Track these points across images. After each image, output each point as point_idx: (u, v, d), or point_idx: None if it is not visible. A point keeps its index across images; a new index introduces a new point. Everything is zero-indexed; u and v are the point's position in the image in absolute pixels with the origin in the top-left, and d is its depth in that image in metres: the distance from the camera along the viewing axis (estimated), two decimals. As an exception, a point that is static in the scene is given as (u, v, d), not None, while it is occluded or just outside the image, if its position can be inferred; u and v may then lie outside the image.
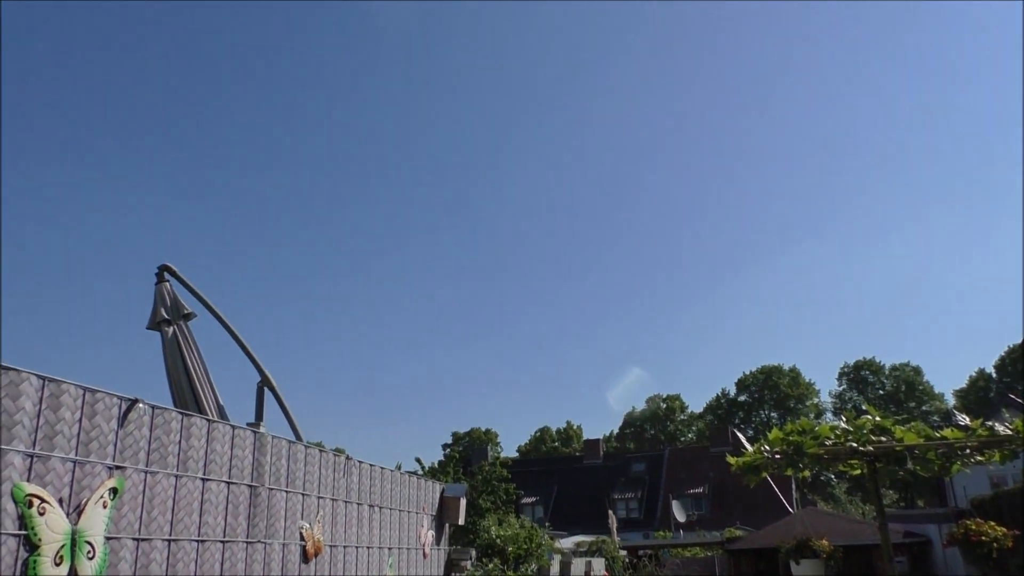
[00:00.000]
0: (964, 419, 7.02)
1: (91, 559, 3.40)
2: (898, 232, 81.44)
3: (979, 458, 7.31)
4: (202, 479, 4.14)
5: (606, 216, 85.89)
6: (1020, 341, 62.00)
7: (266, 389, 6.91)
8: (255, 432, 4.61)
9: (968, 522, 11.05)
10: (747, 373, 72.33)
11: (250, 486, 4.48)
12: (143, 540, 3.68)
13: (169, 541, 3.85)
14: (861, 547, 18.93)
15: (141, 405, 3.72)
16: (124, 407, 3.66)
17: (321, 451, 5.30)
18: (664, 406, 75.11)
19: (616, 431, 76.60)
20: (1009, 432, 6.79)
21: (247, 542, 4.40)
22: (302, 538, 4.94)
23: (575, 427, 76.29)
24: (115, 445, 3.60)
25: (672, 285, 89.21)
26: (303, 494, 5.03)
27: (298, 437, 5.38)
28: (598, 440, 57.28)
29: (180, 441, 4.01)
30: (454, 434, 73.96)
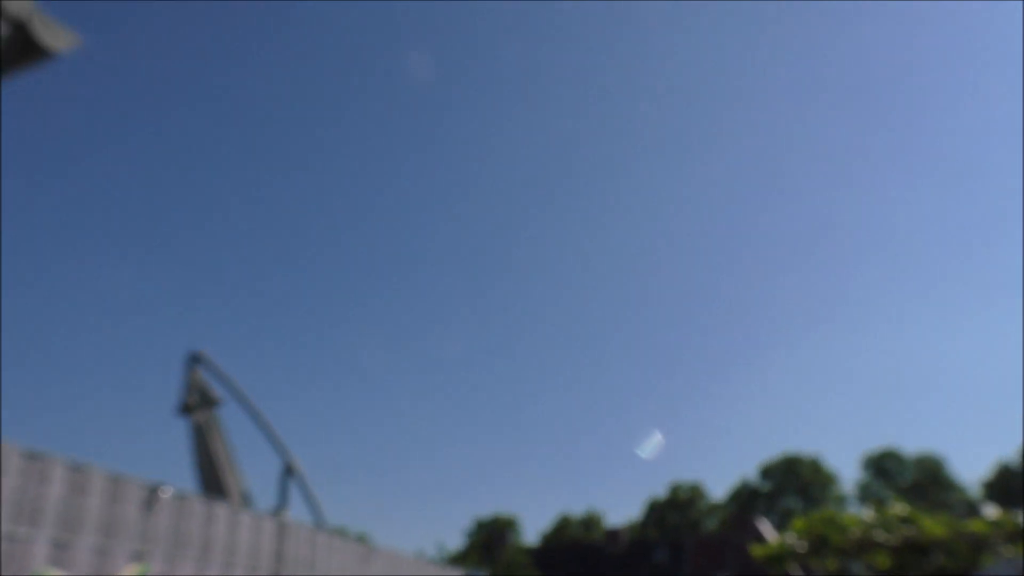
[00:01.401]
0: (991, 511, 6.91)
1: (113, 648, 3.41)
2: (922, 319, 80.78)
3: (1007, 550, 7.16)
4: (224, 565, 4.16)
5: (626, 300, 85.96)
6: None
7: (291, 473, 6.95)
8: (277, 519, 4.64)
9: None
10: (769, 461, 70.93)
11: (272, 574, 4.49)
12: (165, 629, 3.69)
13: (190, 630, 3.86)
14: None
15: (165, 492, 3.79)
16: (148, 493, 3.73)
17: (343, 539, 5.30)
18: (687, 495, 73.55)
19: (638, 517, 74.91)
20: (1038, 524, 6.66)
21: (266, 632, 4.38)
22: (321, 628, 4.90)
23: (596, 514, 74.85)
24: (138, 531, 3.65)
25: (692, 371, 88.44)
26: (323, 582, 5.01)
27: (321, 522, 5.38)
28: (619, 530, 56.09)
29: (203, 528, 4.05)
30: (477, 521, 72.65)
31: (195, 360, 6.06)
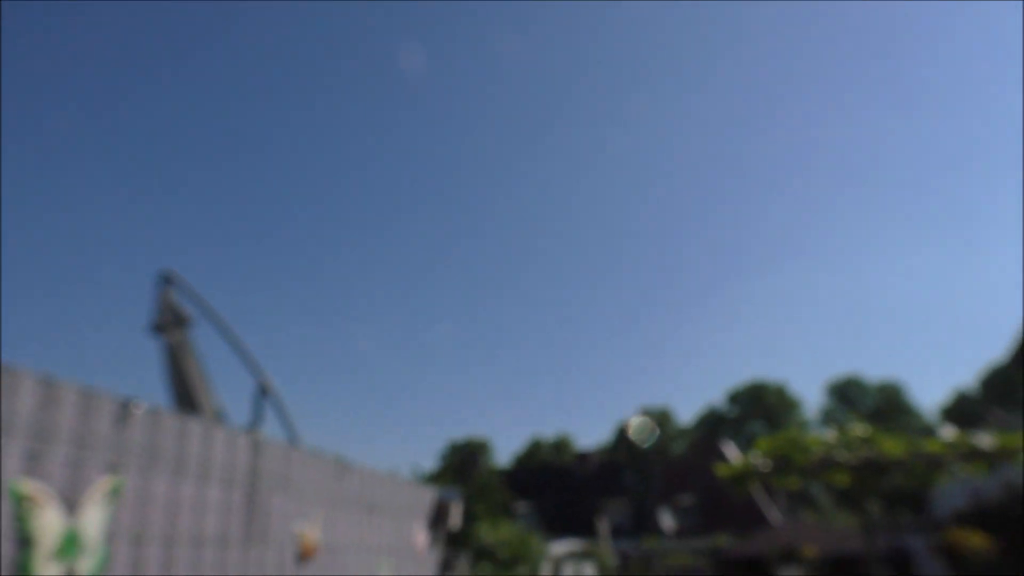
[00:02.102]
0: (948, 432, 7.15)
1: (88, 558, 3.47)
2: (886, 250, 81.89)
3: (962, 470, 7.43)
4: (199, 481, 4.21)
5: (599, 228, 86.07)
6: (1003, 359, 62.23)
7: (265, 393, 6.99)
8: (252, 435, 4.69)
9: (952, 533, 11.18)
10: (736, 387, 72.57)
11: (246, 489, 4.55)
12: (139, 541, 3.75)
13: (166, 543, 3.92)
14: (846, 557, 19.04)
15: (138, 407, 3.79)
16: (120, 408, 3.74)
17: (317, 455, 5.37)
18: (655, 419, 75.19)
19: (607, 441, 76.63)
20: (992, 445, 6.92)
21: (243, 544, 4.47)
22: (298, 540, 5.01)
23: (567, 437, 76.47)
24: (112, 445, 3.67)
25: (664, 298, 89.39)
26: (299, 498, 5.09)
27: (295, 441, 5.45)
28: (589, 453, 57.34)
29: (177, 444, 4.08)
30: (451, 443, 73.98)
31: (166, 279, 5.99)
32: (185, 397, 6.01)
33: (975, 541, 10.89)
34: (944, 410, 63.65)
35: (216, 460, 4.36)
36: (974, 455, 6.92)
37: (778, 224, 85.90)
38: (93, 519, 3.51)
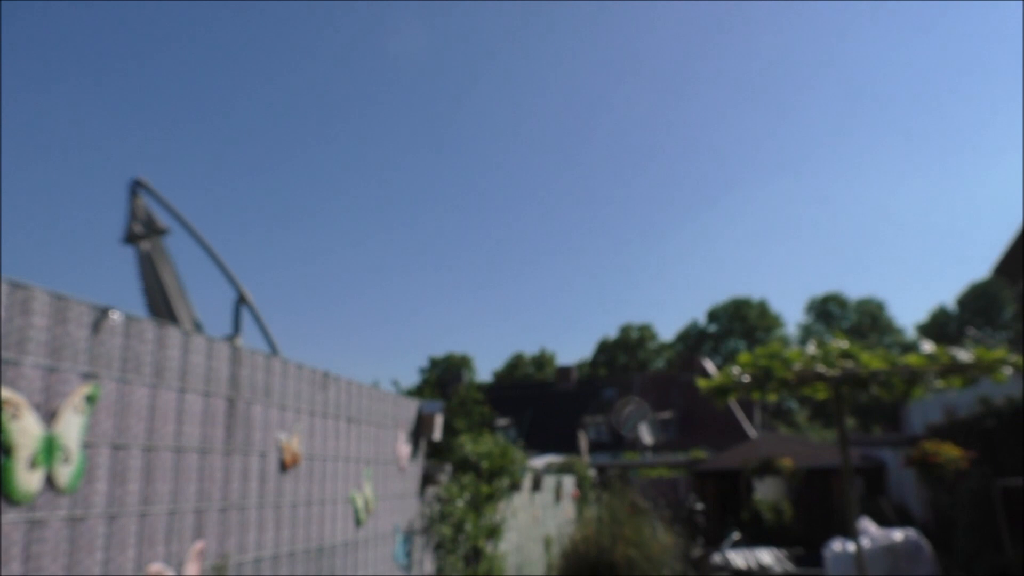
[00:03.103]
0: (927, 346, 7.19)
1: (67, 465, 3.43)
2: (870, 170, 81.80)
3: (940, 384, 7.50)
4: (179, 390, 4.15)
5: (581, 144, 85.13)
6: (982, 278, 63.10)
7: (243, 306, 6.89)
8: (231, 344, 4.61)
9: (926, 445, 11.42)
10: (717, 305, 73.35)
11: (227, 398, 4.50)
12: (120, 448, 3.71)
13: (146, 450, 3.88)
14: (820, 470, 19.54)
15: (114, 314, 3.70)
16: (96, 315, 3.64)
17: (298, 366, 5.32)
18: (636, 335, 76.03)
19: (588, 358, 77.56)
20: (970, 359, 6.97)
21: (225, 452, 4.45)
22: (280, 449, 5.00)
23: (549, 353, 77.24)
24: (88, 353, 3.59)
25: (646, 215, 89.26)
26: (280, 407, 5.06)
27: (275, 353, 5.39)
28: (570, 367, 58.06)
29: (155, 351, 4.01)
30: (431, 359, 74.66)
31: (137, 187, 5.78)
32: (162, 308, 5.91)
33: (947, 452, 11.17)
34: (921, 327, 64.85)
35: (196, 368, 4.30)
36: (952, 369, 6.99)
37: (763, 142, 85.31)
38: (70, 426, 3.46)
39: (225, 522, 4.44)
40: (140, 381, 3.87)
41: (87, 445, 3.54)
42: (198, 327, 5.46)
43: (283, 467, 5.05)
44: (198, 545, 4.16)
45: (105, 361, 3.69)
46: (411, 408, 7.45)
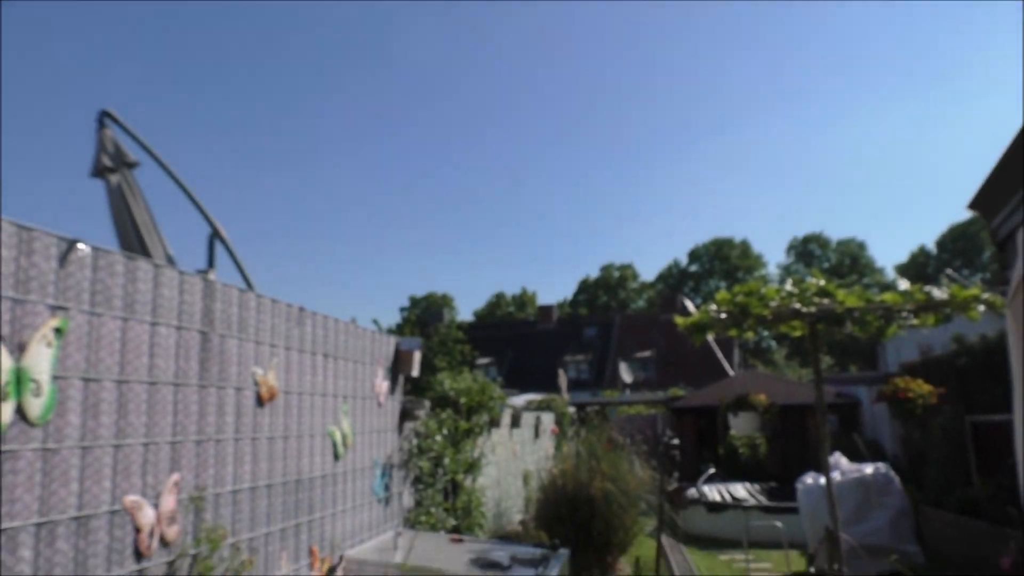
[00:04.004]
0: (903, 284, 7.23)
1: (38, 397, 3.40)
2: (854, 110, 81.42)
3: (914, 321, 7.57)
4: (150, 323, 4.10)
5: (565, 83, 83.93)
6: (962, 219, 63.57)
7: (217, 241, 6.80)
8: (204, 278, 4.55)
9: (897, 380, 11.60)
10: (699, 244, 73.61)
11: (200, 331, 4.46)
12: (91, 381, 3.68)
13: (119, 382, 3.85)
14: (796, 406, 19.86)
15: (82, 246, 3.62)
16: (63, 247, 3.56)
17: (273, 301, 5.28)
18: (617, 275, 76.31)
19: (570, 297, 77.91)
20: (945, 297, 7.02)
21: (200, 385, 4.43)
22: (256, 384, 4.98)
23: (530, 293, 77.49)
24: (56, 285, 3.52)
25: (628, 155, 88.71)
26: (256, 341, 5.03)
27: (250, 288, 5.33)
28: (552, 306, 58.31)
29: (125, 284, 3.94)
30: (411, 298, 74.70)
31: (104, 119, 5.61)
32: (135, 243, 5.81)
33: (918, 387, 11.38)
34: (901, 268, 65.53)
35: (167, 302, 4.24)
36: (927, 307, 7.04)
37: (748, 83, 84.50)
38: (40, 359, 3.41)
39: (201, 455, 4.45)
40: (111, 314, 3.82)
41: (58, 378, 3.51)
42: (171, 262, 5.38)
43: (259, 401, 5.05)
44: (174, 477, 4.17)
45: (74, 294, 3.63)
46: (389, 345, 7.45)
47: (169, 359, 4.22)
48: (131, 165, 6.31)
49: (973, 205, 4.22)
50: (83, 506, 3.59)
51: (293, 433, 5.50)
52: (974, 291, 6.85)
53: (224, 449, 4.66)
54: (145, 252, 5.82)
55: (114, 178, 6.18)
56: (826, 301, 7.37)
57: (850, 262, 68.71)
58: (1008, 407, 11.48)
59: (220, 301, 4.68)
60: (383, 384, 7.23)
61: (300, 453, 5.61)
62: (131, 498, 3.89)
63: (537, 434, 15.86)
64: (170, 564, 4.06)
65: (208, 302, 4.56)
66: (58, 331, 3.54)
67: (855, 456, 13.37)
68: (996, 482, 10.83)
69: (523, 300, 76.73)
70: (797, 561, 11.90)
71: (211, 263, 6.66)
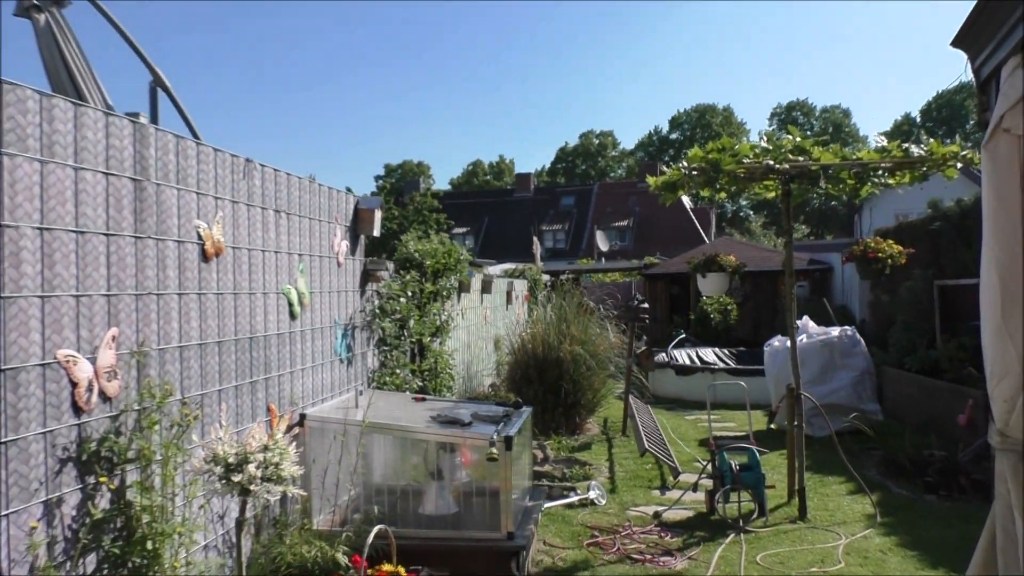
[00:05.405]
0: (880, 140, 7.00)
1: (-51, 243, 3.15)
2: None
3: (890, 180, 7.40)
4: (73, 167, 3.81)
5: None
6: (948, 87, 62.59)
7: (159, 88, 6.38)
8: (134, 122, 4.22)
9: (867, 240, 11.55)
10: (681, 111, 72.38)
11: (133, 179, 4.17)
12: (7, 227, 3.41)
13: (41, 230, 3.60)
14: (768, 272, 19.98)
15: (-9, 82, 3.28)
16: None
17: (216, 150, 4.96)
18: (597, 142, 75.28)
19: (548, 166, 77.05)
20: (923, 153, 6.82)
21: (135, 237, 4.18)
22: (199, 238, 4.74)
23: (508, 161, 76.50)
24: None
25: (612, 17, 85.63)
26: (198, 192, 4.75)
27: (196, 138, 4.99)
28: (529, 174, 57.69)
29: (41, 124, 3.62)
30: (386, 166, 73.53)
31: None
32: (68, 90, 5.41)
33: (889, 247, 11.36)
34: (883, 136, 65.30)
35: (93, 146, 3.93)
36: (903, 164, 6.86)
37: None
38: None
39: (143, 310, 4.25)
40: (25, 156, 3.52)
41: (-36, 223, 3.24)
42: (110, 111, 5.01)
43: (205, 256, 4.82)
44: (112, 331, 3.99)
45: (-18, 132, 3.31)
46: (348, 203, 7.18)
47: (99, 208, 3.95)
48: (60, 3, 5.81)
49: (956, 42, 3.92)
50: (9, 359, 3.41)
51: (244, 290, 5.31)
52: (953, 148, 6.65)
53: (168, 304, 4.47)
54: (81, 97, 5.43)
55: (41, 17, 5.70)
56: (801, 159, 7.15)
57: (833, 130, 68.12)
58: (977, 272, 11.53)
59: (155, 148, 4.37)
60: (342, 244, 7.01)
61: (253, 311, 5.44)
62: (64, 352, 3.71)
63: (510, 300, 15.87)
64: (113, 419, 3.93)
65: (141, 148, 4.25)
66: (-36, 173, 3.24)
67: (825, 320, 13.52)
68: (958, 343, 10.99)
69: (501, 168, 75.71)
70: (760, 421, 12.21)
71: (155, 116, 6.28)
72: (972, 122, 63.81)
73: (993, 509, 3.46)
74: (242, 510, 4.16)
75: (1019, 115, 2.97)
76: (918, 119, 65.50)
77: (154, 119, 6.18)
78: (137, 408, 4.08)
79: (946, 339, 11.59)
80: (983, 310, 3.35)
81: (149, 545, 3.75)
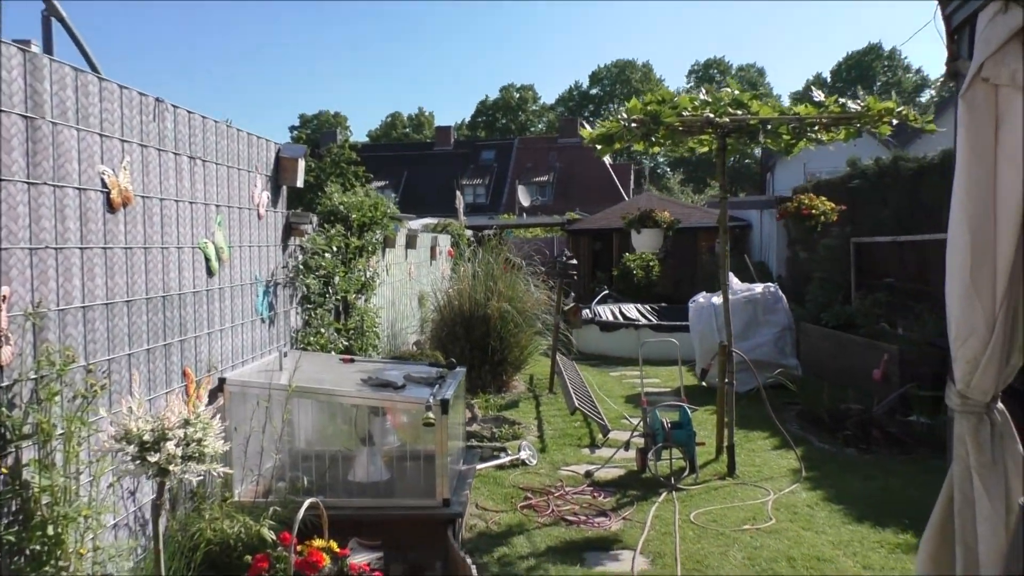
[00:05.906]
0: (819, 95, 6.92)
1: None
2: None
3: (824, 137, 7.36)
4: (-48, 102, 3.30)
5: None
6: (858, 48, 64.39)
7: (53, 21, 5.76)
8: (24, 50, 3.70)
9: (803, 196, 11.66)
10: (601, 67, 72.33)
11: (25, 116, 3.67)
12: None
13: (-86, 173, 3.10)
14: (688, 229, 20.17)
15: None
16: None
17: (122, 87, 4.46)
18: (517, 96, 74.68)
19: (468, 119, 76.12)
20: (859, 108, 6.77)
21: (28, 183, 3.69)
22: (104, 185, 4.26)
23: (427, 114, 75.25)
24: None
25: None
26: (101, 134, 4.26)
27: (96, 72, 4.45)
28: (449, 127, 56.85)
29: (-90, 49, 3.10)
30: (301, 116, 71.34)
31: None
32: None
33: (823, 204, 11.52)
34: (795, 96, 66.62)
35: (-24, 79, 3.42)
36: (841, 119, 6.81)
37: None
38: None
39: (39, 266, 3.77)
40: None
41: None
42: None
43: (111, 206, 4.34)
44: (3, 290, 3.52)
45: None
46: (269, 150, 6.70)
47: (-16, 149, 3.46)
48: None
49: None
50: None
51: (156, 244, 4.85)
52: (890, 104, 6.61)
53: (69, 259, 4.00)
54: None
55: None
56: (740, 112, 7.02)
57: (748, 88, 69.38)
58: (891, 231, 11.77)
59: (50, 82, 3.86)
60: (263, 195, 6.55)
61: (167, 267, 4.99)
62: (-54, 314, 3.25)
63: (434, 256, 15.52)
64: (6, 390, 3.48)
65: (33, 81, 3.73)
66: None
67: (745, 277, 13.68)
68: (873, 299, 11.24)
69: (420, 121, 74.35)
70: (687, 377, 12.30)
71: (48, 49, 5.65)
72: (879, 83, 65.82)
73: (951, 472, 3.39)
74: (159, 492, 3.76)
75: (1000, 64, 2.82)
76: (828, 79, 67.21)
77: (48, 52, 5.57)
78: (34, 377, 3.62)
79: (861, 295, 11.87)
80: (949, 268, 3.23)
81: (50, 530, 3.35)
